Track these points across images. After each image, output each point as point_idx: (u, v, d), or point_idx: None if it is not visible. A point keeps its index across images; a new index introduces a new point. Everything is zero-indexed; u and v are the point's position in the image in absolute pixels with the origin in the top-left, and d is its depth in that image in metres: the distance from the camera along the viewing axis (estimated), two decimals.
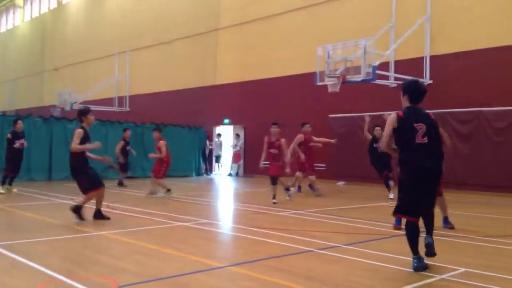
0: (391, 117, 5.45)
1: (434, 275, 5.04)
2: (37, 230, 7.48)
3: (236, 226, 8.43)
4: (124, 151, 15.98)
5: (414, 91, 5.65)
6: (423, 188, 5.26)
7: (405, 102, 5.60)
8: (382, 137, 5.63)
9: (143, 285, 4.60)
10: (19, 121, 13.39)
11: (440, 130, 5.71)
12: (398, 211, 5.49)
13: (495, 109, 14.28)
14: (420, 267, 5.16)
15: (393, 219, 7.76)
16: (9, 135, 13.19)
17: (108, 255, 5.77)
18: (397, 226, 7.86)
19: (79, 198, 9.02)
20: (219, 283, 4.77)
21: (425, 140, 5.27)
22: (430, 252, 5.30)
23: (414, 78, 5.93)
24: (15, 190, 13.20)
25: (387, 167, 12.25)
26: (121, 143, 15.94)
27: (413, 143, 5.27)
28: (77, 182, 8.41)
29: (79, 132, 8.49)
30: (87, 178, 8.42)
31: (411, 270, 5.19)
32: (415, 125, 5.30)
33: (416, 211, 5.31)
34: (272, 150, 11.49)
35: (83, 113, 8.97)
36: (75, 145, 8.30)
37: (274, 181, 11.45)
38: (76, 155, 8.35)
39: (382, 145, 5.66)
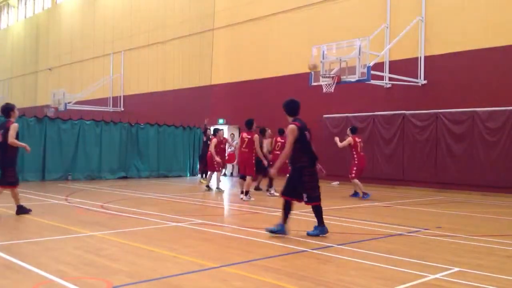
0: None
1: (428, 274, 5.06)
2: (30, 231, 7.45)
3: (230, 226, 8.42)
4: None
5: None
6: None
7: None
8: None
9: (136, 285, 4.59)
10: None
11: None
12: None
13: (488, 109, 14.36)
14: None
15: (386, 219, 7.80)
16: None
17: (101, 256, 5.75)
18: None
19: None
20: (212, 283, 4.76)
21: None
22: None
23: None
24: None
25: None
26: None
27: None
28: None
29: None
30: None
31: (405, 270, 5.22)
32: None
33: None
34: None
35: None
36: None
37: None
38: None
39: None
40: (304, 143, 7.07)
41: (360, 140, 12.98)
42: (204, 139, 17.55)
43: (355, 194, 13.04)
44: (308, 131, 7.19)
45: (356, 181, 12.67)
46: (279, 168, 7.36)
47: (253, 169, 12.26)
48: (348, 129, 13.22)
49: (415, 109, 16.01)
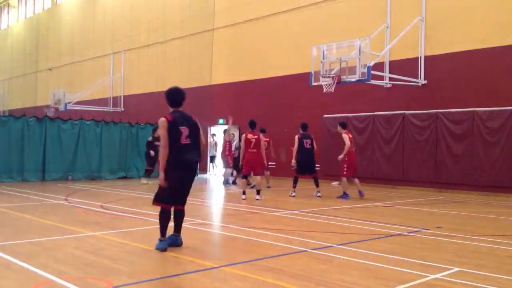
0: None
1: (428, 274, 5.06)
2: (30, 231, 7.45)
3: (230, 226, 8.42)
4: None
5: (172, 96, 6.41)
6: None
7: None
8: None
9: (136, 285, 4.59)
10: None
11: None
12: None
13: (488, 109, 14.35)
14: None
15: (386, 219, 7.76)
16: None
17: (102, 256, 5.75)
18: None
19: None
20: (212, 283, 4.76)
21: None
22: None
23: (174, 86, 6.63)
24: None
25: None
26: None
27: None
28: None
29: None
30: None
31: (405, 270, 5.22)
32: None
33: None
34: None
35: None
36: None
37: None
38: None
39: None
40: (173, 140, 6.09)
41: (351, 136, 12.95)
42: (150, 139, 16.93)
43: (344, 195, 12.76)
44: (188, 126, 6.21)
45: (345, 179, 12.72)
46: (163, 168, 6.13)
47: (261, 168, 12.49)
48: (339, 125, 13.07)
49: (415, 109, 16.01)
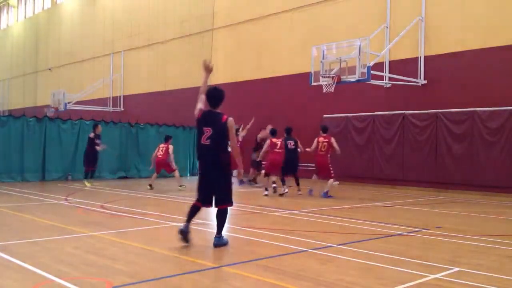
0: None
1: (428, 274, 5.06)
2: (30, 231, 7.44)
3: (230, 226, 8.41)
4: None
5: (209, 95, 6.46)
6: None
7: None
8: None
9: (136, 285, 4.59)
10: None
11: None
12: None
13: (488, 109, 14.35)
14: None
15: (386, 219, 7.75)
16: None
17: (102, 256, 5.75)
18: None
19: None
20: (212, 283, 4.77)
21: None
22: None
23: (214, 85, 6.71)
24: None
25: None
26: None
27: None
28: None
29: None
30: None
31: (405, 270, 5.22)
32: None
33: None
34: None
35: None
36: None
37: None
38: None
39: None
40: (197, 139, 6.49)
41: (326, 140, 13.19)
42: (92, 135, 15.80)
43: (311, 191, 13.46)
44: (214, 127, 6.31)
45: (314, 176, 13.73)
46: None
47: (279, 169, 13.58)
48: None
49: (415, 109, 16.00)
